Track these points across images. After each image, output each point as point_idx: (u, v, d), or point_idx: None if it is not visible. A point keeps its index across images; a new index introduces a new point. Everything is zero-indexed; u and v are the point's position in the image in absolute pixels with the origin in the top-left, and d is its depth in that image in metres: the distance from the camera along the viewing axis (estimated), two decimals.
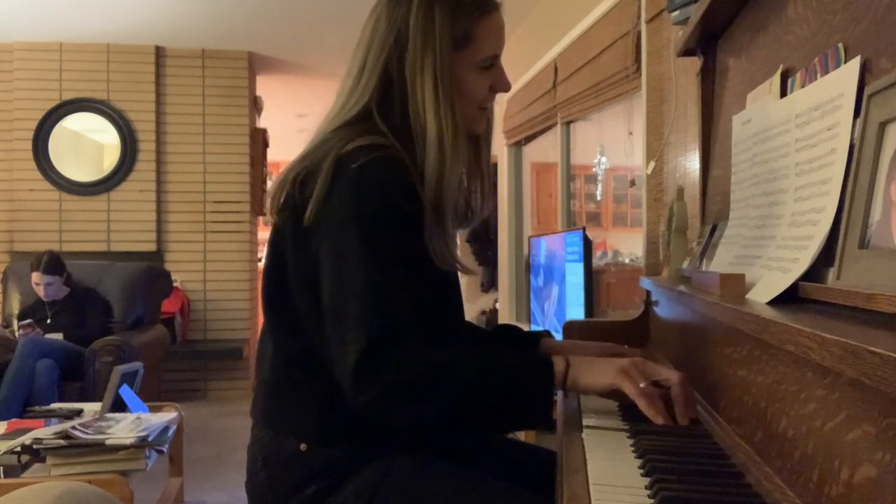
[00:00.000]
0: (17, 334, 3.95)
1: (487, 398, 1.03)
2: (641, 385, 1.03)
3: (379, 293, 1.03)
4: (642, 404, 1.03)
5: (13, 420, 2.68)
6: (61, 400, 3.52)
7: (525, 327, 1.65)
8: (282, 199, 1.14)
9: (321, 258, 1.08)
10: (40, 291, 4.11)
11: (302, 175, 1.12)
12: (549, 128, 4.45)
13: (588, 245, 2.53)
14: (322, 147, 1.13)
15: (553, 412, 1.05)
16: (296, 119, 7.46)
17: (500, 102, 5.50)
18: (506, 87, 1.23)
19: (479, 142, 1.27)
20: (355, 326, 1.02)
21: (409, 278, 1.06)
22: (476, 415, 1.05)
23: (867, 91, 0.84)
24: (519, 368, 1.07)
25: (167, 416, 2.58)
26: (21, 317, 4.22)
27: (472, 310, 6.84)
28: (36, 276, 4.08)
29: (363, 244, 1.05)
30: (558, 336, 1.87)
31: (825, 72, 0.99)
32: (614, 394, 1.09)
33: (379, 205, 1.07)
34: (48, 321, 4.06)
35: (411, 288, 1.06)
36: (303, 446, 1.12)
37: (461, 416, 1.05)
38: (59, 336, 3.98)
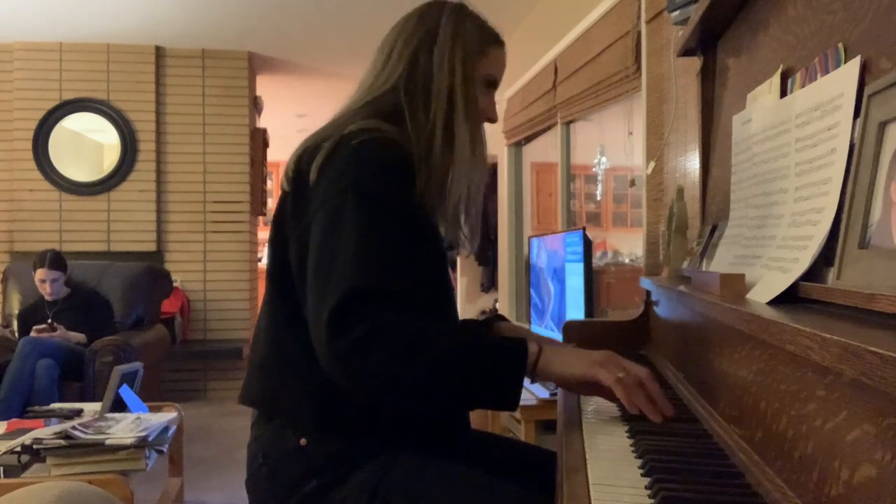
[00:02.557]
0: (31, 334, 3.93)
1: (459, 371, 1.03)
2: (619, 375, 1.04)
3: (369, 250, 1.05)
4: (620, 393, 1.03)
5: (13, 420, 2.68)
6: (61, 400, 3.52)
7: (525, 327, 1.65)
8: (291, 176, 1.18)
9: (314, 224, 1.11)
10: (45, 289, 4.10)
11: (308, 152, 1.17)
12: (549, 128, 4.45)
13: (588, 245, 2.53)
14: (329, 127, 1.20)
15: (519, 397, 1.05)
16: (296, 119, 7.46)
17: (500, 102, 5.50)
18: (493, 117, 1.30)
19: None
20: (338, 279, 1.03)
21: (396, 241, 1.08)
22: (444, 386, 1.04)
23: (867, 91, 0.84)
24: (495, 347, 1.08)
25: (167, 416, 2.58)
26: (21, 317, 4.22)
27: (472, 310, 6.84)
28: (41, 273, 4.07)
29: (359, 207, 1.08)
30: (558, 336, 1.87)
31: (825, 72, 0.99)
32: (584, 386, 1.09)
33: (374, 175, 1.11)
34: (49, 321, 4.06)
35: (402, 253, 1.08)
36: (302, 441, 1.11)
37: (429, 385, 1.03)
38: (81, 336, 3.98)
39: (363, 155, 1.12)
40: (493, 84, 1.29)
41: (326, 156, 1.13)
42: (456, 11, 1.27)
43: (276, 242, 1.19)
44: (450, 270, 1.27)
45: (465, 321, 1.46)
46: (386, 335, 1.01)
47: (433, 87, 1.22)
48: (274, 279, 1.20)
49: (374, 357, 1.00)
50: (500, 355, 1.06)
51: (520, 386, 1.05)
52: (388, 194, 1.11)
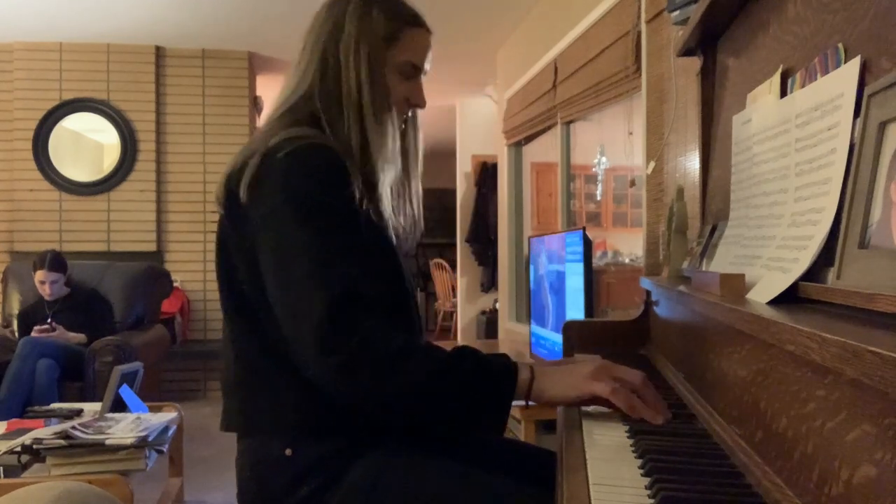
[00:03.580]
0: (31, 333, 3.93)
1: (449, 395, 1.03)
2: (614, 386, 1.04)
3: (326, 262, 1.04)
4: (619, 402, 1.03)
5: (13, 420, 2.68)
6: (61, 400, 3.52)
7: (525, 327, 1.65)
8: (222, 198, 1.16)
9: (260, 246, 1.09)
10: (45, 290, 4.10)
11: (236, 171, 1.14)
12: (549, 128, 4.45)
13: (588, 245, 2.53)
14: (252, 143, 1.17)
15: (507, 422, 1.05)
16: None
17: (501, 102, 5.50)
18: (420, 102, 1.28)
19: (406, 158, 1.30)
20: (307, 296, 1.02)
21: (351, 245, 1.07)
22: (432, 411, 1.04)
23: (867, 91, 0.84)
24: (486, 371, 1.05)
25: (167, 416, 2.58)
26: (21, 317, 4.22)
27: (472, 310, 6.84)
28: (41, 274, 4.07)
29: (299, 222, 1.06)
30: (558, 336, 1.87)
31: (825, 72, 0.99)
32: (584, 402, 1.08)
33: (309, 185, 1.09)
34: (48, 321, 4.06)
35: (355, 254, 1.07)
36: (288, 451, 1.10)
37: (419, 407, 1.04)
38: (81, 336, 3.98)
39: (292, 166, 1.09)
40: (414, 69, 1.25)
41: (254, 173, 1.10)
42: (363, 3, 1.22)
43: (224, 268, 1.17)
44: (408, 274, 1.25)
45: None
46: (374, 353, 1.00)
47: (342, 87, 1.19)
48: (230, 305, 1.18)
49: (361, 377, 1.00)
50: (488, 388, 1.05)
51: (506, 414, 1.04)
52: (325, 203, 1.08)
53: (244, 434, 1.18)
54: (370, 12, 1.22)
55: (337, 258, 1.05)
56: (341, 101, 1.19)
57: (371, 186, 1.16)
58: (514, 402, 1.06)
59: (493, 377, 1.05)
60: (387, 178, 1.19)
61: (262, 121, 1.24)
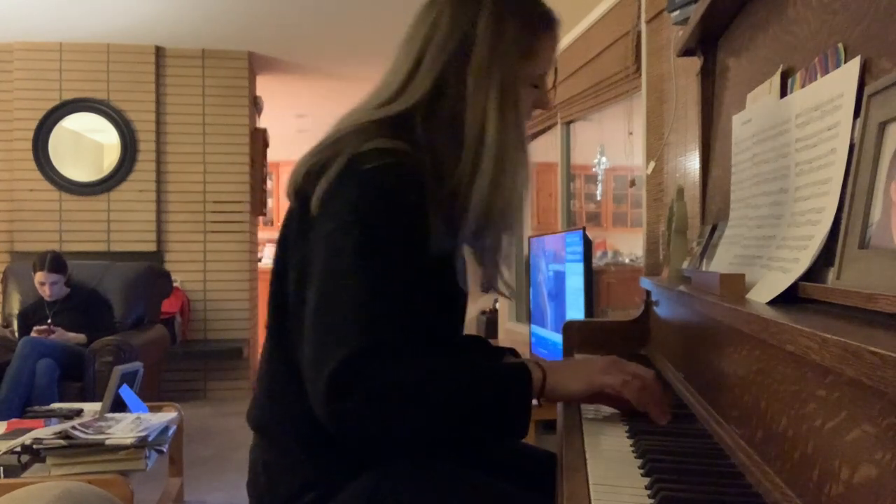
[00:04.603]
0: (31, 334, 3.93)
1: (463, 416, 1.00)
2: (626, 378, 1.04)
3: (372, 304, 0.97)
4: (630, 393, 1.03)
5: (13, 420, 2.68)
6: (61, 400, 3.52)
7: (525, 327, 1.65)
8: (293, 192, 1.09)
9: (314, 257, 1.03)
10: (45, 291, 4.10)
11: (315, 169, 1.06)
12: (549, 128, 4.45)
13: (588, 245, 2.53)
14: (339, 142, 1.07)
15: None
16: (296, 119, 7.46)
17: None
18: (546, 105, 1.18)
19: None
20: (340, 337, 0.96)
21: (403, 295, 0.99)
22: (452, 431, 1.02)
23: (867, 91, 0.84)
24: (497, 383, 1.02)
25: (167, 416, 2.58)
26: (21, 317, 4.22)
27: (471, 310, 6.82)
28: (41, 276, 4.07)
29: (360, 251, 0.98)
30: (558, 336, 1.87)
31: (825, 72, 0.99)
32: (595, 397, 1.08)
33: (384, 212, 1.00)
34: (48, 321, 4.06)
35: (404, 305, 0.99)
36: (303, 456, 1.09)
37: (438, 432, 1.01)
38: (80, 336, 3.98)
39: (373, 183, 1.01)
40: (542, 79, 1.15)
41: (333, 180, 1.02)
42: (496, 5, 1.09)
43: (279, 263, 1.12)
44: (462, 306, 1.18)
45: (465, 341, 1.40)
46: (384, 399, 0.95)
47: (465, 125, 1.07)
48: (274, 299, 1.13)
49: (369, 423, 0.97)
50: (505, 398, 1.01)
51: (528, 419, 1.01)
52: (392, 237, 1.00)
53: (263, 430, 1.16)
54: (503, 21, 1.08)
55: (381, 307, 0.97)
56: (457, 135, 1.08)
57: (455, 225, 1.08)
58: None
59: (509, 393, 1.01)
60: (490, 211, 1.08)
61: (356, 111, 1.12)
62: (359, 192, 1.01)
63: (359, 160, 1.02)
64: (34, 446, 2.18)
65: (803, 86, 1.06)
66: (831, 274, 0.84)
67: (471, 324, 6.82)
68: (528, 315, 3.71)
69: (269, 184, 7.81)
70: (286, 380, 1.12)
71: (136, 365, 3.16)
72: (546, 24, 1.14)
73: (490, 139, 1.07)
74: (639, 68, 2.81)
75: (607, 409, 1.14)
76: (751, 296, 0.99)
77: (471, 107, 1.08)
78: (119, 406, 2.77)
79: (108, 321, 4.25)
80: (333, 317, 0.97)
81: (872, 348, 0.55)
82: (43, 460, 2.21)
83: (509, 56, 1.09)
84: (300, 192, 1.07)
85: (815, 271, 0.88)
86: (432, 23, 1.11)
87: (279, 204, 9.04)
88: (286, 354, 1.11)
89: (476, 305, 6.98)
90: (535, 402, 1.05)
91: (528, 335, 3.31)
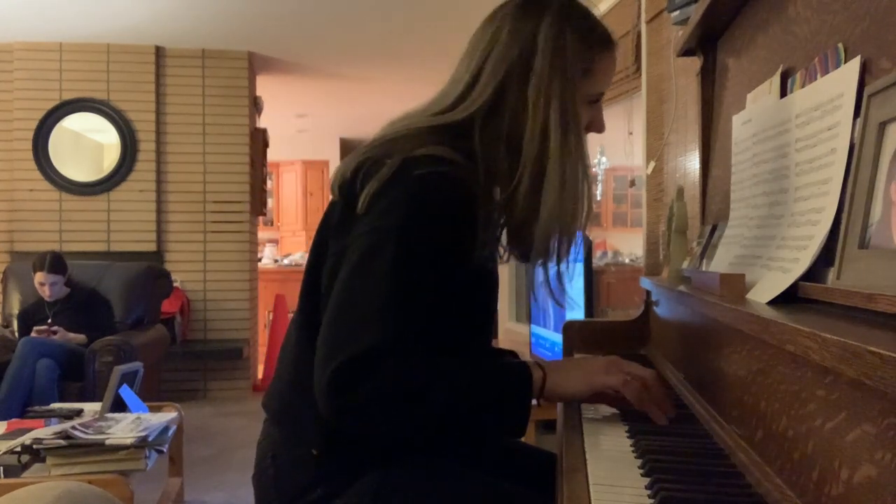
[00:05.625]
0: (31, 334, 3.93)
1: (462, 415, 1.01)
2: (626, 378, 1.04)
3: (394, 307, 0.97)
4: (630, 393, 1.03)
5: (13, 420, 2.68)
6: (61, 400, 3.52)
7: (525, 327, 1.65)
8: (338, 187, 1.09)
9: (350, 252, 1.02)
10: (45, 291, 4.10)
11: (364, 167, 1.05)
12: None
13: (588, 245, 2.53)
14: (392, 143, 1.07)
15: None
16: (296, 119, 7.45)
17: None
18: (600, 128, 1.18)
19: None
20: (354, 335, 0.96)
21: (426, 306, 0.99)
22: (451, 429, 1.03)
23: (867, 91, 0.84)
24: (497, 382, 1.03)
25: (167, 416, 2.58)
26: (21, 317, 4.22)
27: None
28: (41, 276, 4.07)
29: (395, 257, 0.98)
30: (557, 337, 1.87)
31: (825, 72, 0.99)
32: (595, 397, 1.08)
33: (427, 220, 1.00)
34: (48, 321, 4.06)
35: (424, 315, 0.99)
36: (314, 451, 1.09)
37: (436, 429, 1.02)
38: (80, 336, 3.98)
39: (421, 190, 1.00)
40: (598, 99, 1.17)
41: (383, 181, 1.01)
42: (557, 21, 1.09)
43: (316, 251, 1.12)
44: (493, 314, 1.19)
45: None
46: (383, 397, 0.96)
47: (527, 126, 1.07)
48: (306, 295, 1.12)
49: (369, 421, 0.98)
50: (504, 397, 1.02)
51: (527, 419, 1.02)
52: (433, 247, 1.00)
53: (277, 421, 1.16)
54: (564, 36, 1.09)
55: (402, 307, 0.98)
56: (515, 149, 1.07)
57: (518, 232, 1.10)
58: None
59: (510, 392, 1.02)
60: (548, 227, 1.08)
61: (410, 115, 1.13)
62: (406, 197, 1.00)
63: (411, 164, 1.01)
64: (34, 446, 2.18)
65: (803, 86, 1.06)
66: (831, 274, 0.84)
67: None
68: (528, 315, 3.71)
69: (270, 184, 7.80)
70: (305, 376, 1.08)
71: (136, 365, 3.16)
72: (605, 44, 1.15)
73: (553, 153, 1.06)
74: (639, 68, 2.81)
75: (607, 409, 1.14)
76: (751, 296, 0.99)
77: (531, 119, 1.07)
78: (119, 406, 2.77)
79: (108, 321, 4.24)
80: (352, 314, 0.98)
81: (872, 348, 0.55)
82: (43, 460, 2.21)
83: (569, 71, 1.09)
84: (345, 186, 1.07)
85: (815, 271, 0.88)
86: (492, 36, 1.11)
87: (279, 204, 9.04)
88: (310, 348, 1.08)
89: None
90: (535, 402, 1.05)
91: (528, 335, 3.31)
